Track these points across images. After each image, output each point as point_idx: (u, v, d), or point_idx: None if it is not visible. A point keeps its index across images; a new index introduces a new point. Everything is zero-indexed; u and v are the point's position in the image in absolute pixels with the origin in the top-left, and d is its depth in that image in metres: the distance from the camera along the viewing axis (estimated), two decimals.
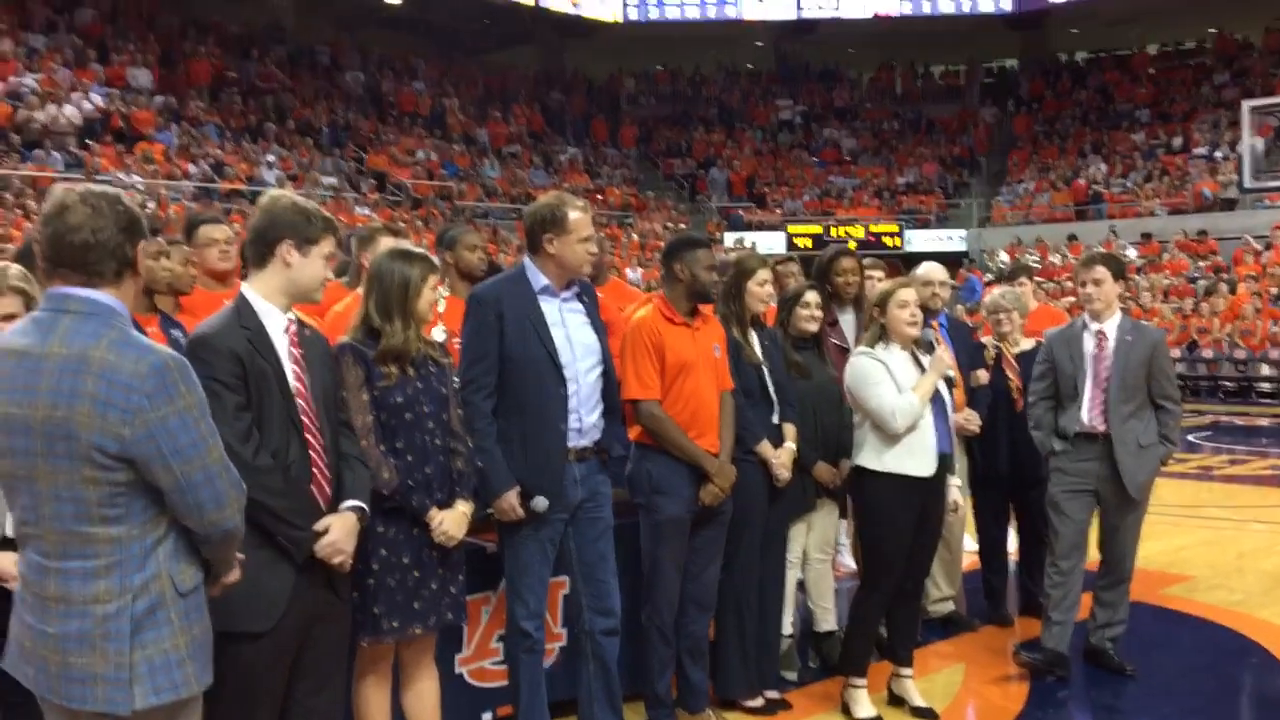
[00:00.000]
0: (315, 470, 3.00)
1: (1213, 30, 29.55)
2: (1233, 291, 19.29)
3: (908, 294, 4.48)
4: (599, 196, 26.06)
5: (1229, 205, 23.38)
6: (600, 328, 4.01)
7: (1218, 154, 24.64)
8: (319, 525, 2.96)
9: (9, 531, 2.57)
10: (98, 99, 19.64)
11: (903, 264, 13.93)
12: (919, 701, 4.59)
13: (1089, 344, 4.95)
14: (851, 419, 4.61)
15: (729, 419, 4.34)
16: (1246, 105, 21.21)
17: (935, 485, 4.46)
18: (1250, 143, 20.81)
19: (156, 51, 22.87)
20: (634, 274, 20.62)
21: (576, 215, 3.85)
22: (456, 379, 3.69)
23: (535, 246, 3.89)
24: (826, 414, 4.85)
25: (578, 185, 25.42)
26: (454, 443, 3.55)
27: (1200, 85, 28.15)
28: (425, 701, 3.63)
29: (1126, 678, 4.97)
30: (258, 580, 2.76)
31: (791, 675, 4.95)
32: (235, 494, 2.42)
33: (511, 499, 3.73)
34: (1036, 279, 11.47)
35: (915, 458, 4.37)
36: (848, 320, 5.43)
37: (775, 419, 4.62)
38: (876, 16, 31.01)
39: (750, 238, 25.42)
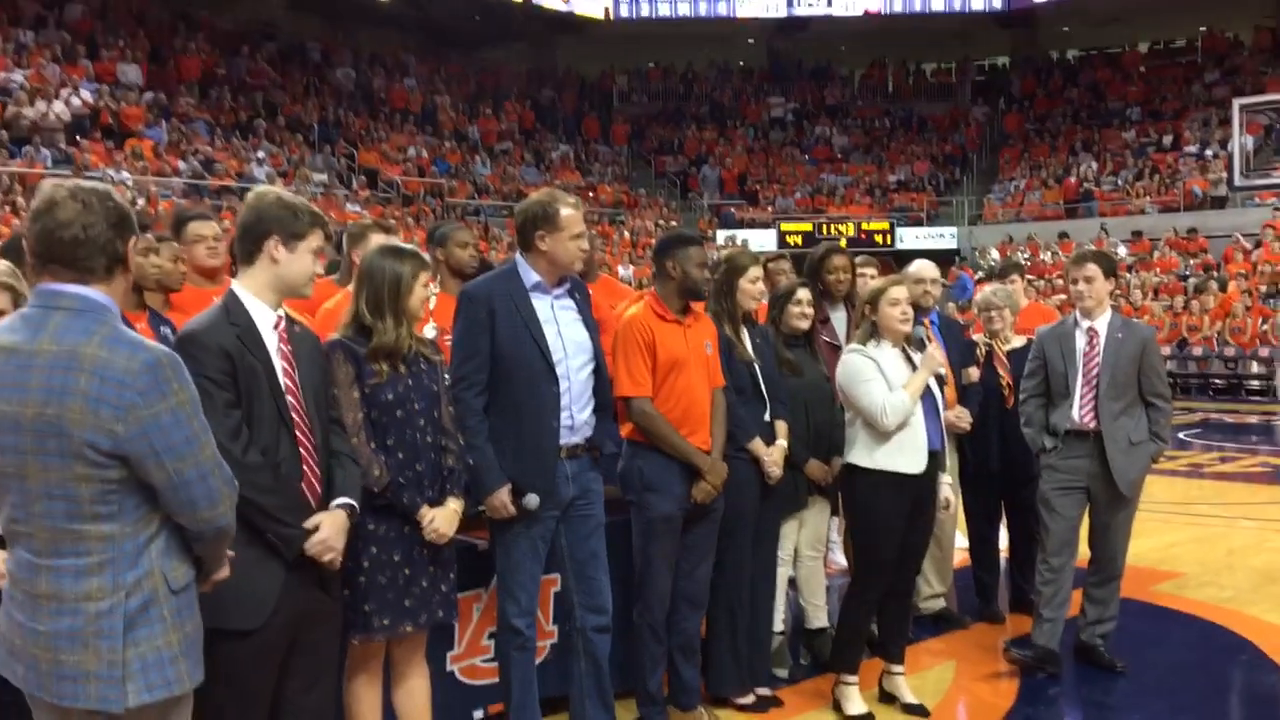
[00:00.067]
0: (305, 467, 2.99)
1: (1203, 28, 29.69)
2: (1223, 289, 19.35)
3: (899, 291, 4.48)
4: (590, 194, 26.08)
5: (1219, 203, 23.47)
6: (592, 324, 4.00)
7: (1208, 152, 24.73)
8: (309, 523, 2.95)
9: None
10: (87, 95, 19.58)
11: (894, 261, 13.94)
12: (910, 698, 4.60)
13: (1080, 341, 4.96)
14: (843, 416, 4.61)
15: (720, 416, 4.34)
16: (1237, 103, 21.34)
17: (926, 482, 4.46)
18: (1240, 141, 20.92)
19: (146, 47, 22.82)
20: (625, 271, 20.61)
21: (568, 212, 3.84)
22: (447, 376, 3.68)
23: (527, 243, 3.88)
24: (818, 411, 4.85)
25: (569, 182, 25.42)
26: (445, 440, 3.54)
27: (1191, 83, 28.26)
28: (416, 699, 3.62)
29: (1117, 674, 4.98)
30: (247, 578, 2.75)
31: (783, 672, 4.95)
32: (228, 491, 2.41)
33: (503, 496, 3.73)
34: (1027, 277, 11.54)
35: (906, 455, 4.37)
36: (839, 318, 5.43)
37: (767, 416, 4.62)
38: (868, 14, 31.07)
39: (742, 235, 25.46)
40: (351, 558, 3.20)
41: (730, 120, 32.30)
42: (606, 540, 4.03)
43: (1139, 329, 5.06)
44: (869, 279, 5.52)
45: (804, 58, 33.69)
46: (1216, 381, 18.68)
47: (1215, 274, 20.37)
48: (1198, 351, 18.73)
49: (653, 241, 19.83)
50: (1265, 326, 17.96)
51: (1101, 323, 4.95)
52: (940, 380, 4.68)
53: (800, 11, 31.25)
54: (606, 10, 30.84)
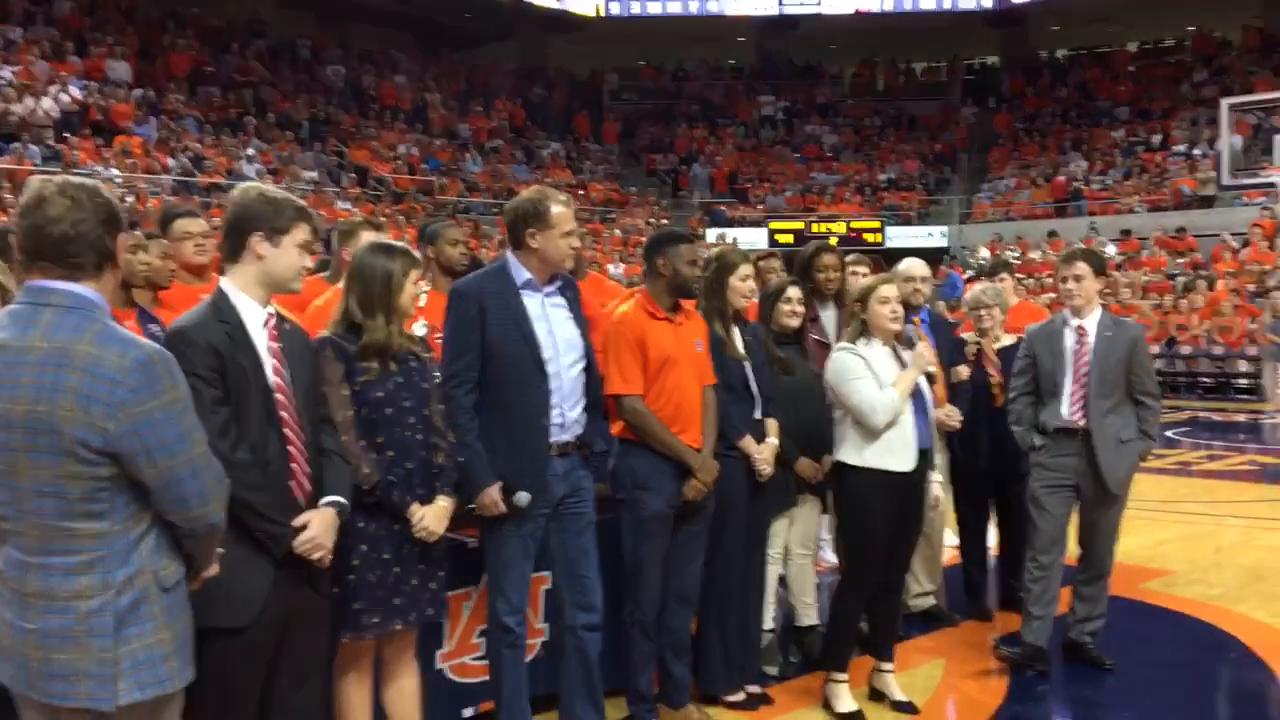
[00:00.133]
0: (294, 465, 2.98)
1: (1192, 28, 29.78)
2: (1211, 288, 19.42)
3: (889, 290, 4.49)
4: (581, 192, 26.04)
5: (1207, 202, 23.54)
6: (583, 322, 4.00)
7: (1196, 151, 24.81)
8: (298, 521, 2.94)
9: None
10: (76, 91, 19.49)
11: (884, 260, 13.95)
12: (899, 696, 4.61)
13: (1069, 339, 4.97)
14: (833, 414, 4.62)
15: (711, 414, 4.34)
16: (1225, 103, 21.38)
17: (916, 480, 4.47)
18: (1229, 140, 20.98)
19: (135, 44, 22.71)
20: (616, 269, 20.59)
21: (559, 210, 3.84)
22: (438, 374, 3.68)
23: (518, 241, 3.88)
24: (808, 409, 4.85)
25: (560, 180, 25.37)
26: (435, 438, 3.54)
27: (1179, 83, 28.34)
28: (406, 697, 3.62)
29: (1105, 672, 5.00)
30: (236, 576, 2.74)
31: (773, 670, 4.95)
32: (219, 488, 2.41)
33: (493, 494, 3.72)
34: (1017, 275, 11.54)
35: (896, 453, 4.38)
36: (829, 316, 5.45)
37: (757, 414, 4.63)
38: (858, 13, 31.09)
39: (732, 233, 25.50)
40: (341, 556, 3.19)
41: (721, 118, 32.31)
42: (597, 538, 4.03)
43: (1128, 327, 5.08)
44: (861, 277, 5.53)
45: (794, 56, 33.73)
46: (1204, 380, 18.73)
47: (1203, 273, 20.43)
48: (1186, 350, 18.79)
49: (643, 239, 19.81)
50: (1253, 325, 18.02)
51: (1091, 321, 4.96)
52: (930, 378, 4.68)
53: (791, 10, 31.26)
54: (597, 8, 30.84)
